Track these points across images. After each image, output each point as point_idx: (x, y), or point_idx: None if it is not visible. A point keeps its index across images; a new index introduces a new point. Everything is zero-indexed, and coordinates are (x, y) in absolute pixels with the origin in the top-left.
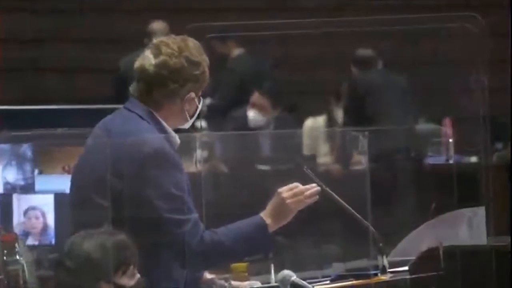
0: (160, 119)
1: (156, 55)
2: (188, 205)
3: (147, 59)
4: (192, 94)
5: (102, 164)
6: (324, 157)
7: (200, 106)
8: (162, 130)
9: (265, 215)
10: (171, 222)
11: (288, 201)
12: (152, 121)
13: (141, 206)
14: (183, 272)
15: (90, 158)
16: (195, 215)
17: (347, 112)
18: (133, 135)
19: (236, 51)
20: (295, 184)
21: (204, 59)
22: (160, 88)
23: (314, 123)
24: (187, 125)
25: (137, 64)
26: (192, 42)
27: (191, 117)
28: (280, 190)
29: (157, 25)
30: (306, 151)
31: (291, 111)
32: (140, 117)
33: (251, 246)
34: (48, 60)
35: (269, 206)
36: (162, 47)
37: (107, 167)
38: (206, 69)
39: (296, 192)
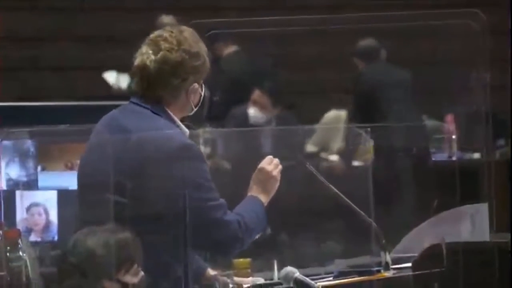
0: (171, 114)
1: (155, 51)
2: (216, 193)
3: (147, 55)
4: (196, 85)
5: (125, 162)
6: (333, 153)
7: (203, 94)
8: (175, 125)
9: (256, 193)
10: (207, 209)
11: (273, 173)
12: (165, 116)
13: (173, 200)
14: (191, 266)
15: (105, 156)
16: (223, 200)
17: (353, 106)
18: (154, 132)
19: (235, 50)
20: (269, 157)
21: (202, 48)
22: (163, 84)
23: (337, 116)
24: (191, 113)
25: (137, 61)
26: (188, 33)
27: (196, 106)
28: (261, 166)
29: (167, 19)
30: (315, 143)
31: (289, 109)
32: (154, 113)
33: (260, 226)
34: (47, 58)
35: (256, 185)
36: (160, 42)
37: (134, 165)
38: (206, 57)
39: (276, 163)
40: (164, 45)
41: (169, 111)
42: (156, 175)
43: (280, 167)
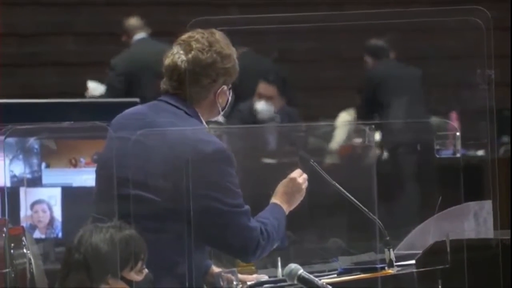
0: (200, 115)
1: (187, 51)
2: (242, 199)
3: (178, 55)
4: (225, 87)
5: (158, 160)
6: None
7: (230, 98)
8: (202, 123)
9: (280, 201)
10: (233, 214)
11: (303, 186)
12: (196, 118)
13: (200, 201)
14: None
15: (137, 151)
16: (248, 207)
17: (362, 102)
18: (190, 133)
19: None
20: (299, 170)
21: (233, 50)
22: (194, 84)
23: (349, 116)
24: (218, 118)
25: (167, 61)
26: (219, 35)
27: (223, 109)
28: (293, 176)
29: (134, 21)
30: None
31: (291, 102)
32: (187, 114)
33: (279, 236)
34: (47, 54)
35: (284, 194)
36: (192, 42)
37: (168, 162)
38: (236, 61)
39: (304, 177)
40: (195, 45)
41: (199, 113)
42: (188, 175)
43: (306, 183)
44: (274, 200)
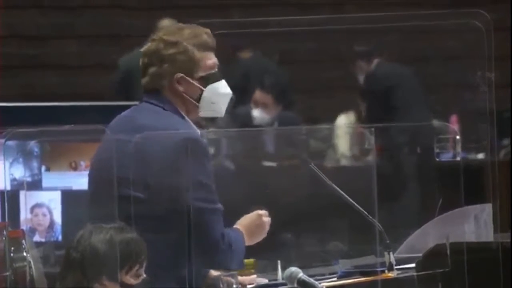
0: (179, 109)
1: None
2: (214, 196)
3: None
4: (179, 75)
5: (133, 158)
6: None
7: (205, 90)
8: (185, 121)
9: (244, 231)
10: (198, 210)
11: (266, 227)
12: (176, 113)
13: (173, 196)
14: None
15: (118, 154)
16: (220, 206)
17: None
18: (173, 130)
19: (247, 54)
20: (265, 211)
21: (184, 38)
22: (148, 76)
23: (347, 120)
24: (201, 114)
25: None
26: (189, 29)
27: (197, 101)
28: (261, 212)
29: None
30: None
31: (290, 107)
32: (166, 110)
33: (240, 257)
34: (49, 56)
35: (247, 226)
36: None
37: (140, 161)
38: (188, 49)
39: (269, 220)
40: (150, 39)
41: (179, 109)
42: (158, 169)
43: (268, 226)
44: (239, 228)
